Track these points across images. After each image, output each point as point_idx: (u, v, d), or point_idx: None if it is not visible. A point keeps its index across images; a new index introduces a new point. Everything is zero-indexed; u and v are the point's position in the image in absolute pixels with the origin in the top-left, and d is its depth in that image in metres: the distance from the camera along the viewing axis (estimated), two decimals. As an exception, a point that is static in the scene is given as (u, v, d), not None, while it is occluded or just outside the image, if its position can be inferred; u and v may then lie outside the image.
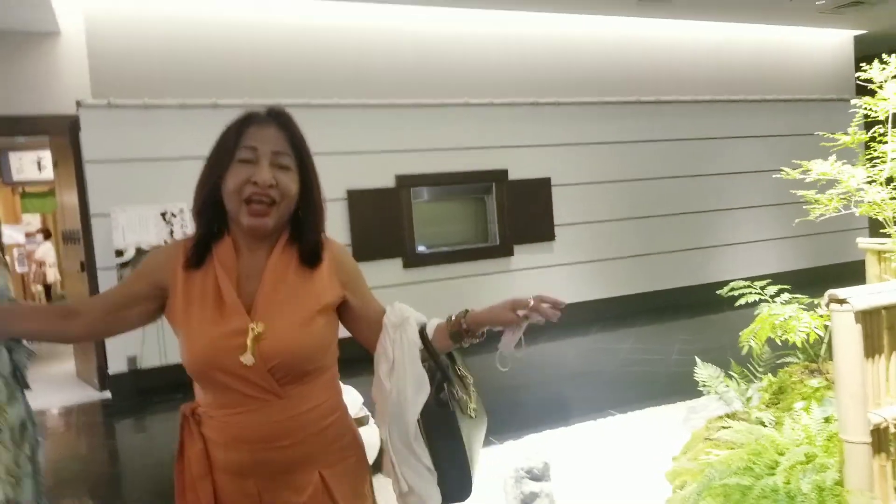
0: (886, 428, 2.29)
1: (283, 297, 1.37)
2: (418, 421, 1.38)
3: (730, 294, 3.72)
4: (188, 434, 1.40)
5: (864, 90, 3.27)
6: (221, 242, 1.41)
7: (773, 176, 4.04)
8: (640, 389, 4.89)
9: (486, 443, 3.79)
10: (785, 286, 3.67)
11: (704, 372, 3.50)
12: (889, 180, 3.14)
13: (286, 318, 1.35)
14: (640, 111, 8.27)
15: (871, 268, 3.88)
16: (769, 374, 3.55)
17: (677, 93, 8.53)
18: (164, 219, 5.81)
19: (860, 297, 2.18)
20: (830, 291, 2.22)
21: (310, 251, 1.43)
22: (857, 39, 9.70)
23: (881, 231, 3.38)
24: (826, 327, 3.34)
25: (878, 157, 3.27)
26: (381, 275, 6.95)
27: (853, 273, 9.12)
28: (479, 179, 7.48)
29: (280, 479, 1.36)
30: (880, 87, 3.19)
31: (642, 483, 3.28)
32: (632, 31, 8.27)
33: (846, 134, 3.47)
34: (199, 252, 1.40)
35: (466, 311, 1.42)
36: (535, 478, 3.15)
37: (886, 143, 3.16)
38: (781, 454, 2.47)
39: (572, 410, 4.52)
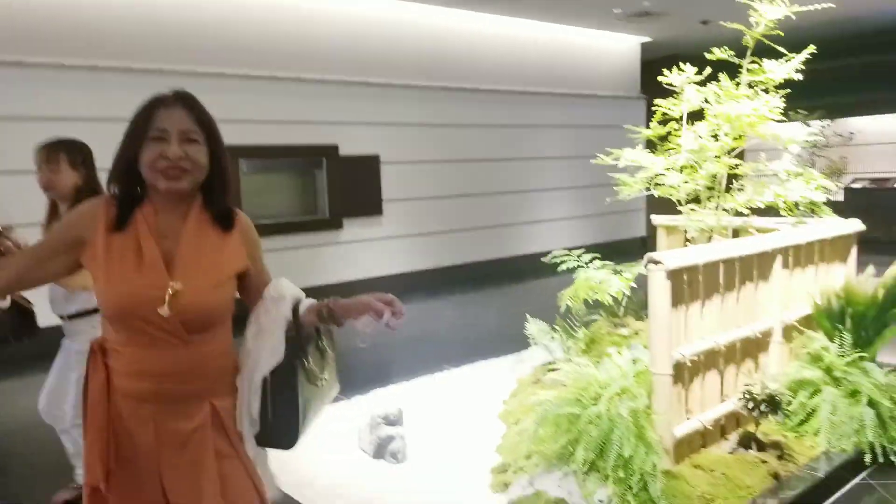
0: (683, 363, 2.90)
1: (200, 259, 1.56)
2: (265, 379, 1.58)
3: (552, 261, 4.28)
4: (93, 365, 1.59)
5: (649, 90, 3.93)
6: (143, 205, 1.57)
7: (591, 161, 4.63)
8: (468, 348, 5.39)
9: (336, 399, 4.04)
10: (596, 255, 4.30)
11: (534, 327, 4.01)
12: (683, 168, 3.82)
13: (201, 279, 1.54)
14: (462, 97, 8.82)
15: (662, 240, 4.65)
16: (584, 328, 4.16)
17: (494, 82, 9.20)
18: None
19: (670, 259, 2.74)
20: (648, 254, 2.76)
21: (222, 215, 1.61)
22: (644, 46, 11.09)
23: (676, 210, 4.06)
24: (632, 288, 4.01)
25: (673, 149, 3.95)
26: (209, 245, 6.79)
27: (632, 247, 10.62)
28: (310, 154, 7.54)
29: (174, 407, 1.55)
30: (680, 90, 3.83)
31: (480, 424, 3.72)
32: (457, 22, 8.74)
33: (648, 128, 4.13)
34: (122, 214, 1.55)
35: (337, 298, 1.64)
36: (391, 423, 3.46)
37: (681, 136, 3.84)
38: (603, 388, 3.00)
39: (411, 368, 4.87)
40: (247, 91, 6.95)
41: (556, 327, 4.12)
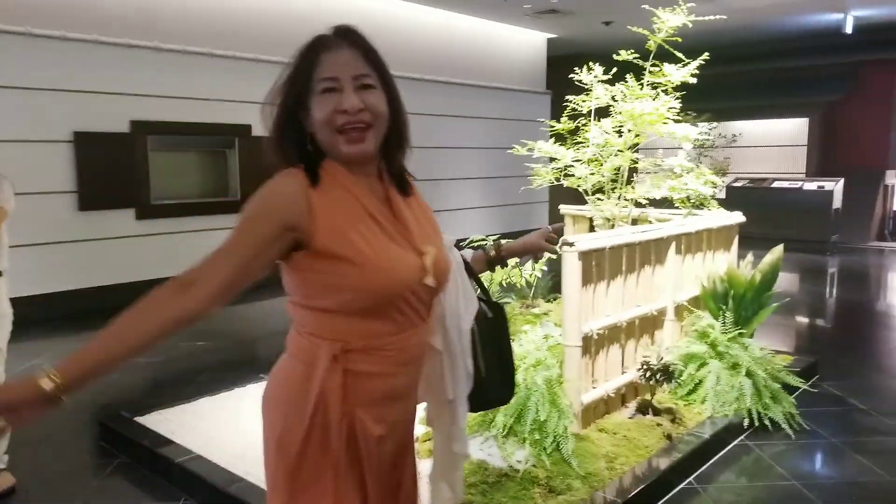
0: (591, 336, 3.20)
1: (423, 223, 1.37)
2: (472, 330, 1.45)
3: (469, 246, 4.50)
4: (327, 383, 1.27)
5: (553, 86, 4.16)
6: (334, 171, 1.29)
7: (507, 152, 4.87)
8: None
9: (259, 379, 4.09)
10: (510, 241, 4.55)
11: (452, 308, 4.22)
12: (590, 161, 4.13)
13: (436, 243, 1.35)
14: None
15: (569, 228, 4.98)
16: (499, 310, 4.40)
17: (407, 69, 9.33)
18: None
19: (583, 241, 3.02)
20: (564, 238, 3.02)
21: (399, 175, 1.39)
22: (550, 42, 11.55)
23: (581, 201, 4.38)
24: (543, 271, 4.30)
25: (581, 143, 4.25)
26: (111, 226, 6.57)
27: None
28: (222, 133, 7.41)
29: (404, 402, 1.37)
30: (589, 88, 4.12)
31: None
32: (372, 7, 8.81)
33: (558, 122, 4.41)
34: (314, 179, 1.27)
35: (499, 242, 1.71)
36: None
37: (589, 131, 4.15)
38: (520, 361, 3.25)
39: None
40: (157, 64, 6.76)
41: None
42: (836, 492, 2.97)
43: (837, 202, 10.63)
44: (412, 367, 1.35)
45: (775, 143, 12.73)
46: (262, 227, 1.22)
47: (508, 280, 4.32)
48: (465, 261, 1.51)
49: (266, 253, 1.23)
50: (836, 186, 10.66)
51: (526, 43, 11.21)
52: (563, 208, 5.01)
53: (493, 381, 1.51)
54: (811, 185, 10.84)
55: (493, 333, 1.53)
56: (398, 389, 1.34)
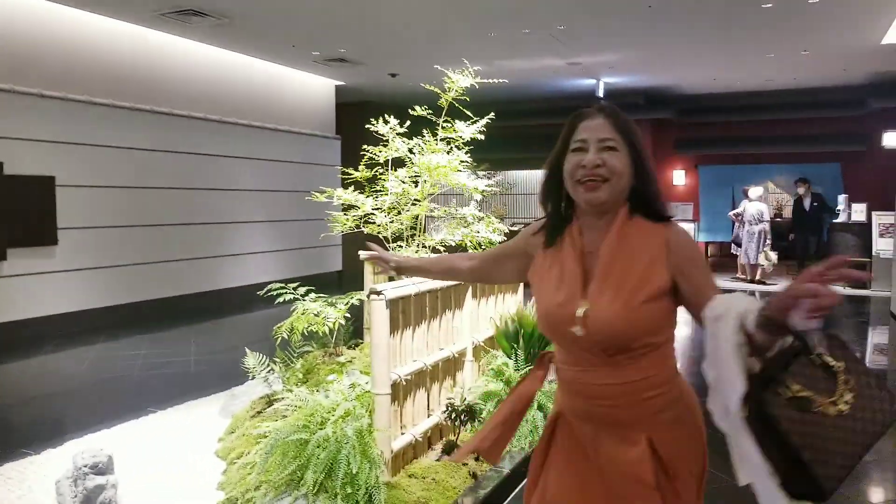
0: (399, 383, 3.25)
1: (615, 278, 1.49)
2: (746, 417, 1.29)
3: (269, 294, 4.36)
4: (533, 372, 1.77)
5: (343, 130, 4.25)
6: (571, 225, 1.62)
7: (298, 195, 4.84)
8: (173, 388, 5.12)
9: (20, 455, 3.57)
10: (311, 287, 4.50)
11: (252, 360, 4.05)
12: (391, 209, 4.25)
13: (613, 300, 1.47)
14: (156, 120, 8.37)
15: (369, 274, 5.04)
16: (300, 359, 4.31)
17: (191, 108, 8.90)
18: None
19: (390, 290, 3.08)
20: (371, 286, 3.06)
21: (655, 213, 1.55)
22: (339, 88, 11.73)
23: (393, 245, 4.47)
24: (346, 318, 4.29)
25: (380, 191, 4.37)
26: None
27: (330, 280, 11.03)
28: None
29: (611, 431, 1.52)
30: (388, 139, 4.26)
31: (197, 463, 3.63)
32: (150, 42, 8.31)
33: (344, 167, 4.49)
34: (552, 234, 1.64)
35: (772, 295, 1.26)
36: (100, 472, 3.19)
37: (388, 180, 4.27)
38: (329, 413, 3.20)
39: (110, 414, 4.48)
40: None
41: (277, 359, 4.20)
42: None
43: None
44: (595, 399, 1.53)
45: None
46: (512, 242, 1.81)
47: (310, 328, 4.24)
48: (748, 334, 1.29)
49: (512, 260, 1.79)
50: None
51: (316, 88, 11.28)
52: (363, 254, 5.06)
53: (795, 475, 1.29)
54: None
55: (763, 419, 1.31)
56: (581, 412, 1.57)
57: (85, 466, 3.15)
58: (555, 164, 1.61)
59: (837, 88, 12.42)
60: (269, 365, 4.09)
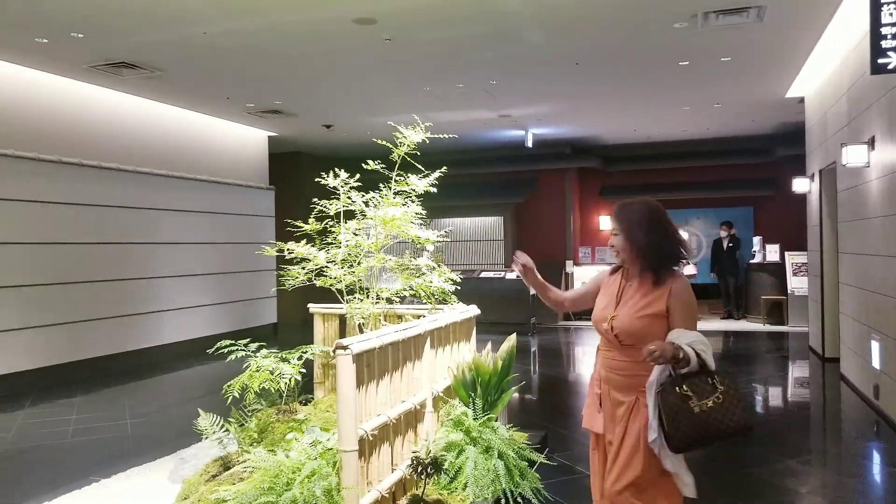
0: (365, 438, 3.21)
1: (630, 301, 2.52)
2: (656, 395, 2.34)
3: (220, 352, 4.24)
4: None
5: (276, 181, 4.21)
6: (624, 268, 2.65)
7: (256, 252, 4.76)
8: (112, 454, 4.86)
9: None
10: (262, 343, 4.41)
11: (205, 420, 3.91)
12: (344, 261, 4.25)
13: (627, 312, 2.49)
14: (83, 174, 8.10)
15: (318, 327, 5.00)
16: (254, 418, 4.19)
17: (120, 161, 8.67)
18: None
19: (356, 344, 3.07)
20: (338, 341, 3.05)
21: (653, 275, 2.49)
22: (272, 139, 11.68)
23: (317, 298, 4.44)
24: (302, 374, 4.22)
25: (331, 243, 4.36)
26: None
27: (265, 333, 10.78)
28: None
29: (615, 389, 2.52)
30: (342, 191, 4.28)
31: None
32: (79, 94, 8.10)
33: (279, 217, 4.49)
34: (615, 269, 2.71)
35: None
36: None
37: (340, 233, 4.28)
38: (294, 473, 3.13)
39: (47, 485, 4.21)
40: None
41: (231, 419, 4.07)
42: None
43: (532, 289, 12.25)
44: (612, 370, 2.54)
45: (479, 238, 14.39)
46: (593, 282, 2.80)
47: (264, 385, 4.14)
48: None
49: (592, 293, 2.75)
50: (529, 275, 12.31)
51: (249, 139, 11.19)
52: (313, 307, 5.03)
53: (667, 435, 2.30)
54: (511, 275, 12.33)
55: (663, 401, 2.31)
56: (606, 378, 2.57)
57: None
58: None
59: (748, 138, 13.32)
60: (223, 425, 3.95)
